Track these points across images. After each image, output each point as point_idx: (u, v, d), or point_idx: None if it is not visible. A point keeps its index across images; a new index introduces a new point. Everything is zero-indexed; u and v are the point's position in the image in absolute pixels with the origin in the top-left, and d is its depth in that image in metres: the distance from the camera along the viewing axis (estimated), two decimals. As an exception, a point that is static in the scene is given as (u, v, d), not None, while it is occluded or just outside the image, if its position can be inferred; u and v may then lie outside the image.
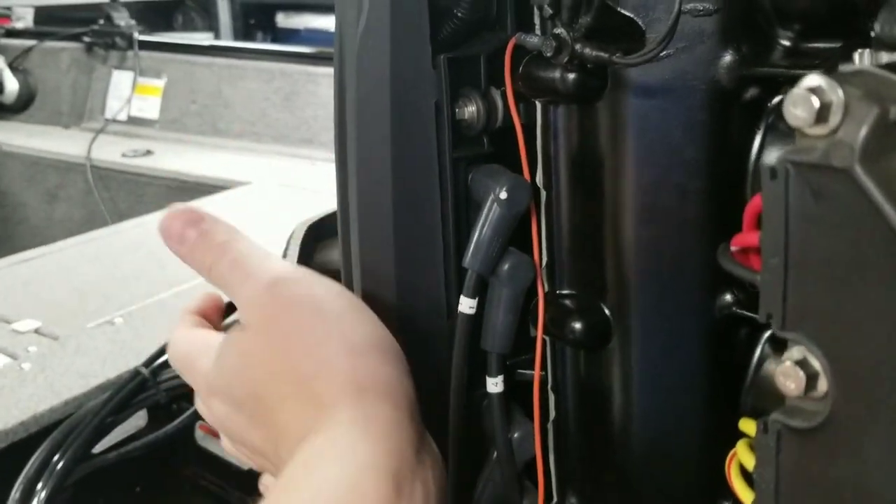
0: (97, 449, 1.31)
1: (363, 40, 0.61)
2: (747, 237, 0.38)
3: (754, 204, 0.37)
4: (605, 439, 0.64)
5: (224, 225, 0.65)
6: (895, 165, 0.28)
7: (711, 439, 0.60)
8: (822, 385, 0.31)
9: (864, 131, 0.28)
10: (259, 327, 0.58)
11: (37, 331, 1.56)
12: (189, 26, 4.59)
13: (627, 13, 0.54)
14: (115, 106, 3.18)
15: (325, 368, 0.53)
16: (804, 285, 0.30)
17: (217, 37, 4.35)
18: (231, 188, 2.45)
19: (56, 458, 1.21)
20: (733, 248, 0.41)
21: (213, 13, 4.41)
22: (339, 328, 0.56)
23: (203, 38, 4.25)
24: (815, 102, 0.29)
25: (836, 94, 0.28)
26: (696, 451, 0.62)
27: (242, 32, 4.40)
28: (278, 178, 2.47)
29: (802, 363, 0.31)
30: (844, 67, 0.30)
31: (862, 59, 0.37)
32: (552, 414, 0.66)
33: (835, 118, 0.29)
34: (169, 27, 4.55)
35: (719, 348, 0.60)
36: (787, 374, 0.31)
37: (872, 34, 0.31)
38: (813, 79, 0.29)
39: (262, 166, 2.64)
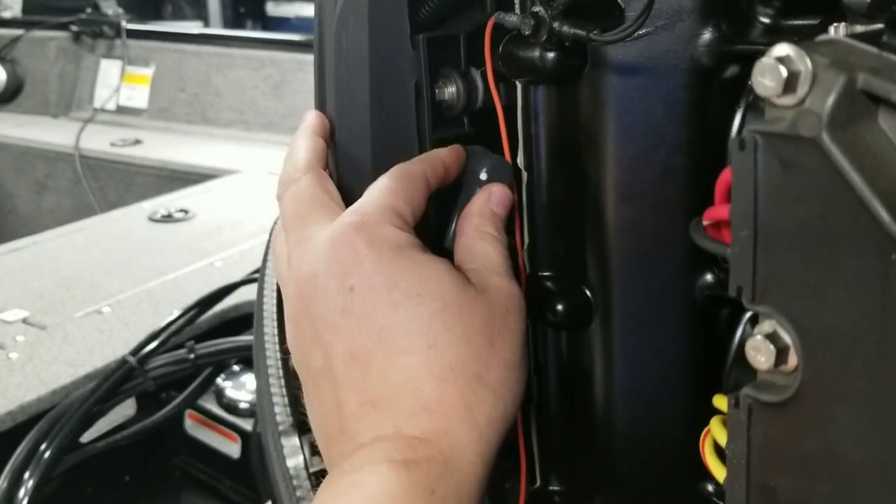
0: (85, 438, 1.31)
1: (341, 20, 0.61)
2: (718, 210, 0.37)
3: (725, 177, 0.37)
4: (588, 422, 0.64)
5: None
6: (863, 134, 0.28)
7: (694, 420, 0.60)
8: (793, 358, 0.31)
9: (831, 100, 0.27)
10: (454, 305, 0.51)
11: (24, 320, 1.55)
12: (178, 15, 4.56)
13: (606, -10, 0.54)
14: (104, 95, 3.16)
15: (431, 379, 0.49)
16: (774, 257, 0.30)
17: (207, 25, 4.32)
18: (220, 177, 2.44)
19: (43, 447, 1.21)
20: (705, 222, 0.41)
21: (203, 2, 4.38)
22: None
23: (192, 27, 4.23)
24: (783, 72, 0.29)
25: (805, 63, 0.28)
26: (680, 432, 0.62)
27: (232, 21, 4.37)
28: (268, 167, 2.46)
29: (773, 336, 0.31)
30: (818, 37, 0.30)
31: (837, 32, 0.36)
32: (534, 396, 0.66)
33: (803, 87, 0.28)
34: (158, 16, 4.51)
35: (702, 329, 0.59)
36: (757, 348, 0.31)
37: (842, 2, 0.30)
38: (781, 48, 0.29)
39: (251, 155, 2.63)
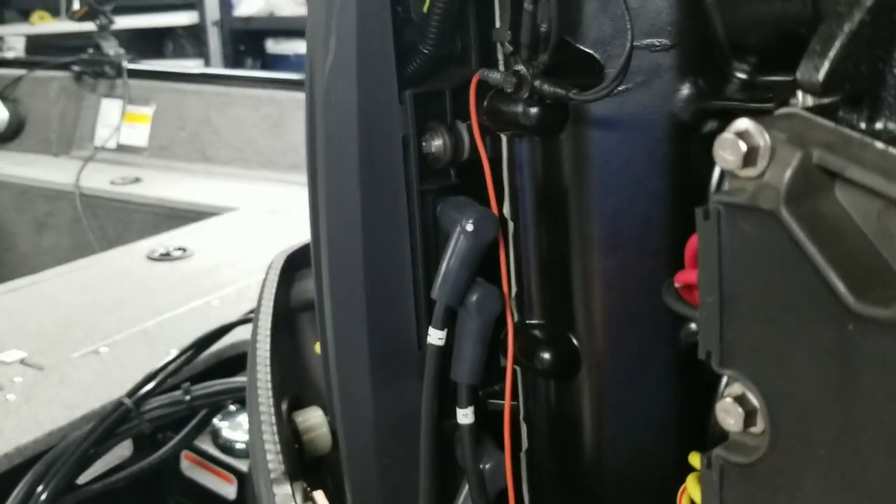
0: (82, 480, 1.30)
1: (331, 77, 0.62)
2: (688, 274, 0.38)
3: (693, 242, 0.38)
4: (578, 468, 0.64)
5: None
6: (820, 206, 0.29)
7: (681, 468, 0.61)
8: (761, 421, 0.32)
9: (788, 174, 0.28)
10: None
11: (22, 361, 1.55)
12: (179, 53, 4.62)
13: (586, 49, 0.55)
14: (105, 134, 3.19)
15: None
16: (739, 323, 0.31)
17: (207, 63, 4.38)
18: (219, 214, 2.45)
19: (40, 489, 1.21)
20: (677, 285, 0.42)
21: (204, 40, 4.44)
22: None
23: (193, 65, 4.28)
24: (743, 147, 0.30)
25: (763, 138, 0.29)
26: (667, 479, 0.62)
27: (232, 59, 4.43)
28: (266, 204, 2.47)
29: (741, 399, 0.32)
30: (778, 111, 0.31)
31: (805, 99, 0.37)
32: (525, 444, 0.67)
33: (762, 161, 0.29)
34: (159, 54, 4.58)
35: (687, 376, 0.60)
36: (726, 411, 0.32)
37: (797, 78, 0.31)
38: (741, 123, 0.30)
39: (250, 192, 2.64)
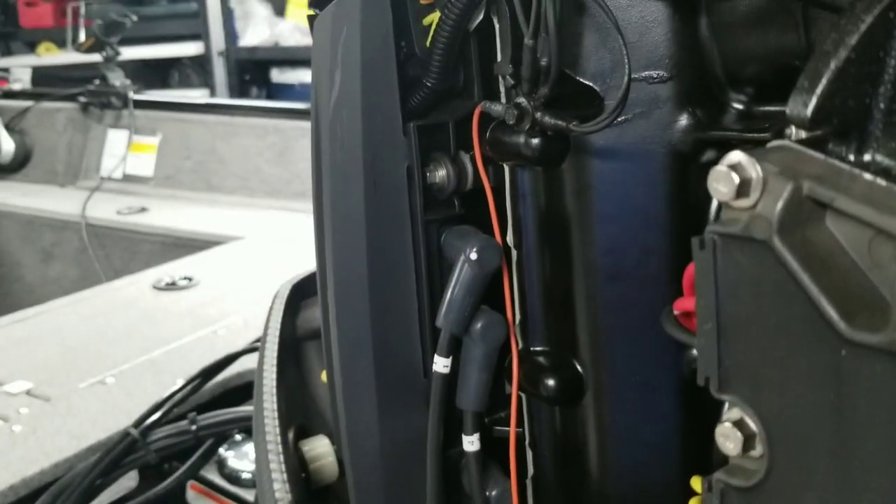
0: (87, 511, 1.30)
1: (336, 110, 0.64)
2: (686, 302, 0.39)
3: (690, 271, 0.38)
4: (583, 494, 0.65)
5: None
6: (811, 236, 0.30)
7: (685, 492, 0.61)
8: (759, 445, 0.32)
9: (780, 205, 0.30)
10: None
11: (28, 392, 1.56)
12: (185, 83, 4.67)
13: (586, 81, 0.57)
14: (111, 164, 3.22)
15: None
16: (736, 350, 0.32)
17: (213, 93, 4.42)
18: (224, 243, 2.47)
19: (46, 521, 1.21)
20: (676, 313, 0.43)
21: (209, 70, 4.49)
22: None
23: (199, 95, 4.32)
24: (735, 179, 0.31)
25: (755, 171, 0.30)
26: (673, 502, 0.63)
27: (238, 88, 4.47)
28: (271, 233, 2.49)
29: (740, 424, 0.32)
30: (770, 143, 0.32)
31: (799, 132, 0.38)
32: (530, 470, 0.67)
33: (755, 193, 0.30)
34: (165, 84, 4.63)
35: (691, 401, 0.61)
36: (725, 435, 0.33)
37: (787, 112, 0.32)
38: (734, 156, 0.31)
39: (255, 221, 2.66)
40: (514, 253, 0.65)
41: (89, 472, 1.24)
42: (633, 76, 0.54)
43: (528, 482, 0.67)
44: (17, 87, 3.77)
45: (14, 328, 1.89)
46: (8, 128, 3.47)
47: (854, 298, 0.29)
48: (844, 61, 0.30)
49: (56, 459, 1.32)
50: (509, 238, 0.65)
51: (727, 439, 0.33)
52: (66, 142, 3.38)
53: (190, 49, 4.52)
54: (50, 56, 4.69)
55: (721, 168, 0.31)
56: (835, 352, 0.29)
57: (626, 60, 0.51)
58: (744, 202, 0.31)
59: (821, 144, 0.32)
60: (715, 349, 0.32)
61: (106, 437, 1.37)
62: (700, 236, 0.32)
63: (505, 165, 0.63)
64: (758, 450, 0.32)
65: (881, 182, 0.29)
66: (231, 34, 4.40)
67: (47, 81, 3.84)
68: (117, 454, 1.27)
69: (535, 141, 0.58)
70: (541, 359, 0.64)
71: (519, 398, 0.66)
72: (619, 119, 0.55)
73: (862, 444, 0.29)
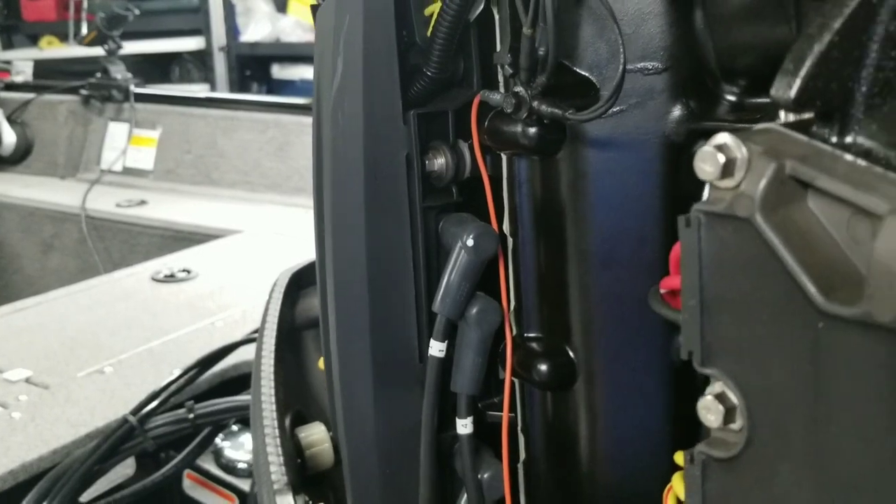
0: (85, 497, 1.31)
1: (338, 99, 0.65)
2: (672, 280, 0.40)
3: (676, 250, 0.40)
4: (574, 478, 0.66)
5: None
6: (793, 214, 0.31)
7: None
8: (740, 418, 0.33)
9: (763, 184, 0.31)
10: None
11: (28, 380, 1.57)
12: (185, 78, 4.68)
13: (583, 72, 0.58)
14: (111, 157, 3.23)
15: None
16: (718, 325, 0.33)
17: (213, 88, 4.43)
18: (224, 237, 2.48)
19: (43, 505, 1.22)
20: (662, 291, 0.44)
21: (210, 65, 4.50)
22: None
23: (199, 90, 4.33)
24: (721, 158, 0.32)
25: (741, 151, 0.31)
26: (662, 488, 0.64)
27: (238, 84, 4.48)
28: (271, 227, 2.50)
29: (721, 397, 0.34)
30: (756, 126, 0.33)
31: (788, 117, 0.40)
32: (522, 454, 0.68)
33: (739, 172, 0.32)
34: (166, 79, 4.63)
35: (681, 385, 0.62)
36: (707, 408, 0.34)
37: (771, 93, 0.34)
38: (720, 137, 0.32)
39: (255, 215, 2.67)
40: (510, 241, 0.66)
41: (88, 458, 1.25)
42: (628, 67, 0.55)
43: (520, 466, 0.68)
44: (19, 79, 3.78)
45: (14, 317, 1.90)
46: (10, 120, 3.48)
47: (833, 274, 0.30)
48: (828, 45, 0.31)
49: (54, 446, 1.33)
50: (506, 226, 0.66)
51: (709, 412, 0.34)
52: (66, 134, 3.39)
53: (191, 44, 4.53)
54: (52, 49, 4.70)
55: (707, 148, 0.33)
56: (813, 325, 0.30)
57: (622, 51, 0.52)
58: (728, 182, 0.32)
59: (805, 127, 0.33)
60: (698, 324, 0.33)
61: (104, 424, 1.38)
62: (686, 215, 0.34)
63: (502, 154, 0.65)
64: (738, 422, 0.34)
65: (861, 162, 0.30)
66: (232, 30, 4.41)
67: (49, 74, 3.85)
68: (115, 440, 1.28)
69: (532, 129, 0.59)
70: (534, 345, 0.65)
71: (512, 384, 0.67)
72: (615, 109, 0.56)
73: (837, 415, 0.30)
